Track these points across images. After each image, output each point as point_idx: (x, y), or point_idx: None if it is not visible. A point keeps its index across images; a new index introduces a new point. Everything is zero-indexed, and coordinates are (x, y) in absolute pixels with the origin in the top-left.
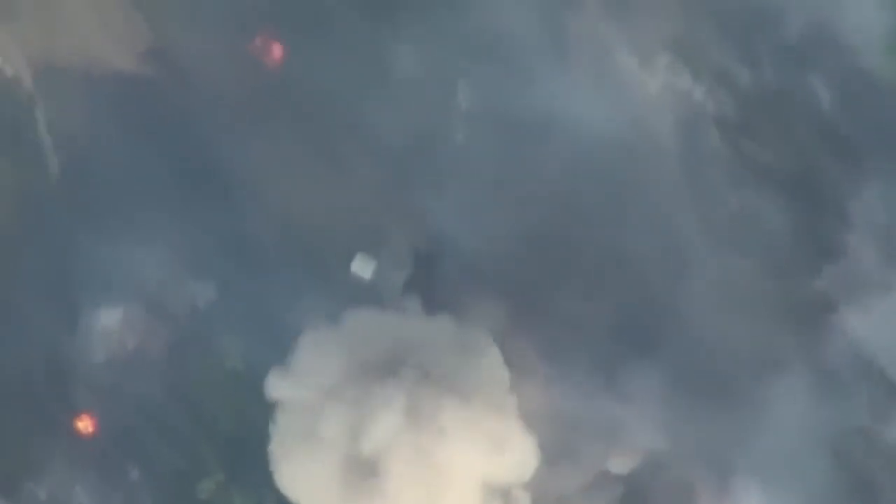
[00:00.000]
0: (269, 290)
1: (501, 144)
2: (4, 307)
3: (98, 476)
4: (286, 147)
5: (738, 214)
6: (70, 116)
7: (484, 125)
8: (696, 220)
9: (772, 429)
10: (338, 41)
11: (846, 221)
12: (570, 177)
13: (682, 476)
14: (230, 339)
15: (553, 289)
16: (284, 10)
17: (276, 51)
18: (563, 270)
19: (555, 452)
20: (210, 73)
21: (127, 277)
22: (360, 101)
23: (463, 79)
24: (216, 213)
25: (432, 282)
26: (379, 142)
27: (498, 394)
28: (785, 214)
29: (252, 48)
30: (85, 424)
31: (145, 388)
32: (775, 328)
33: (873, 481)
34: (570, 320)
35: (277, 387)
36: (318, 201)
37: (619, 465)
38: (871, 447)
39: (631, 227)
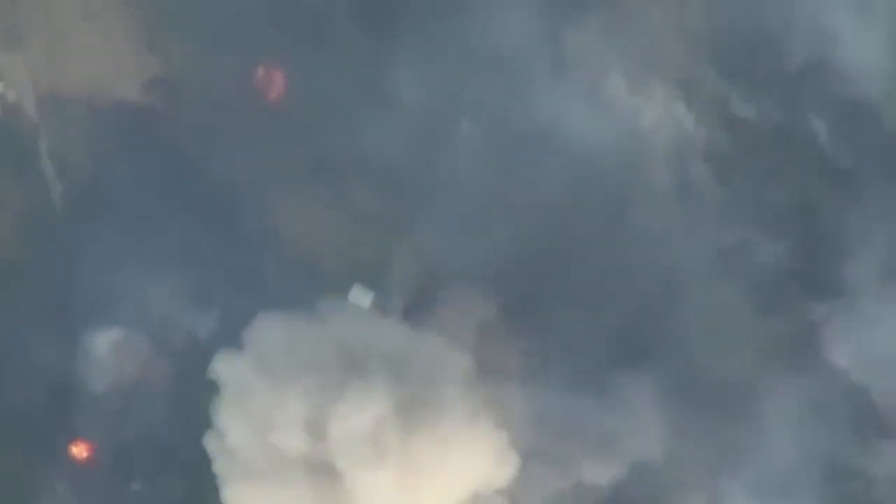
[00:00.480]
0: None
1: (499, 170)
2: (5, 334)
3: None
4: (289, 176)
5: (734, 245)
6: (73, 144)
7: (484, 152)
8: (692, 248)
9: (761, 451)
10: (339, 69)
11: (841, 253)
12: (568, 200)
13: (667, 488)
14: None
15: (546, 309)
16: (286, 39)
17: (279, 80)
18: (558, 293)
19: (535, 460)
20: (212, 102)
21: (128, 305)
22: (362, 130)
23: (464, 112)
24: (217, 242)
25: (429, 301)
26: (380, 169)
27: (472, 399)
28: (780, 245)
29: (255, 78)
30: (80, 451)
31: (144, 416)
32: (766, 356)
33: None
34: (564, 340)
35: (226, 370)
36: (321, 229)
37: (597, 474)
38: (859, 475)
39: (629, 250)
